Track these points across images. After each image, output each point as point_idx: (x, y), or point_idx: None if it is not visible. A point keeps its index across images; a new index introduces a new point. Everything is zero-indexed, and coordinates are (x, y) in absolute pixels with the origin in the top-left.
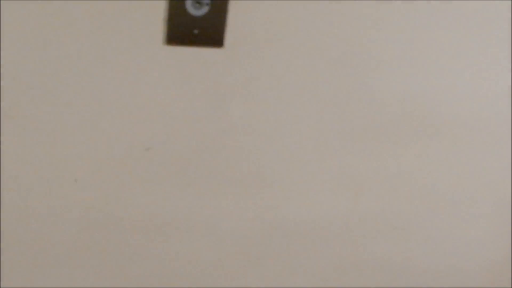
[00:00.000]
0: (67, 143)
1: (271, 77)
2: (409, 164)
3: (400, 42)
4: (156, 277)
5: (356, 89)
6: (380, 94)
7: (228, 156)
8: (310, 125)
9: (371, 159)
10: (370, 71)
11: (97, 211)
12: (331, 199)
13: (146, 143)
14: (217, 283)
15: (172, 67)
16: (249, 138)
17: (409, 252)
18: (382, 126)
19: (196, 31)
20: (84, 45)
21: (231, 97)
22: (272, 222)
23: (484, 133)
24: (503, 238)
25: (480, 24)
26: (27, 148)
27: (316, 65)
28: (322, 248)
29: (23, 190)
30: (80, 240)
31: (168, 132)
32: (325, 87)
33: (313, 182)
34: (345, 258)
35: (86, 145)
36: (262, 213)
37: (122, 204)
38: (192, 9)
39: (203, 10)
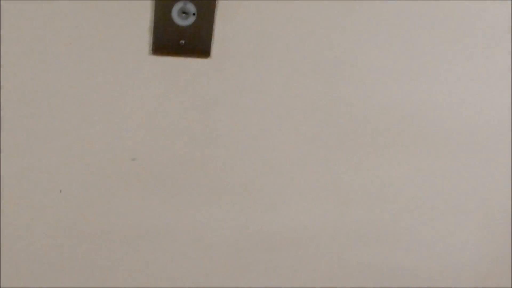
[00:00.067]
0: (52, 153)
1: (257, 87)
2: (397, 173)
3: (390, 50)
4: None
5: (344, 99)
6: (368, 103)
7: (215, 166)
8: (297, 135)
9: (359, 168)
10: (357, 81)
11: (82, 222)
12: (318, 209)
13: (132, 153)
14: None
15: (158, 77)
16: (236, 148)
17: (398, 262)
18: (369, 135)
19: (182, 41)
20: (70, 55)
21: (217, 107)
22: (259, 232)
23: (471, 141)
24: (495, 252)
25: (478, 30)
26: (11, 158)
27: (303, 75)
28: (309, 258)
29: (5, 201)
30: (65, 251)
31: (154, 142)
32: (312, 97)
33: (300, 191)
34: (333, 268)
35: (71, 155)
36: (249, 223)
37: (108, 214)
38: (179, 19)
39: (189, 20)
